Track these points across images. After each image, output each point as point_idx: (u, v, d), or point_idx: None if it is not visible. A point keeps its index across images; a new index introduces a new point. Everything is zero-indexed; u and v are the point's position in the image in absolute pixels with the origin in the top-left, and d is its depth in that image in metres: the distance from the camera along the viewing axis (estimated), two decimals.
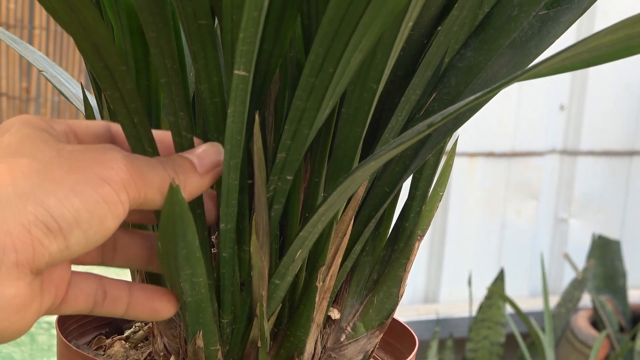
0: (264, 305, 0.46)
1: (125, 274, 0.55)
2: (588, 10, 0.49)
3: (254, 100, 0.45)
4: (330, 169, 0.47)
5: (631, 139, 2.76)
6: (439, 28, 0.47)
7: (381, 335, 0.53)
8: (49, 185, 0.39)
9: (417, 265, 2.58)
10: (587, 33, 2.53)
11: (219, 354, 0.47)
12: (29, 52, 0.66)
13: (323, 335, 0.51)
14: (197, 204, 0.46)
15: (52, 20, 2.16)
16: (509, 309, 2.35)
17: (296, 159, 0.44)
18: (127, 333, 0.59)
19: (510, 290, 2.40)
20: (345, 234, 0.48)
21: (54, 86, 0.64)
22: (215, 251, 0.48)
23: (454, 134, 0.49)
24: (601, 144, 2.73)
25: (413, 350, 0.56)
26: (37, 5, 2.15)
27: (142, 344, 0.58)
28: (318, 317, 0.49)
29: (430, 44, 0.47)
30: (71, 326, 0.59)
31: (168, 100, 0.45)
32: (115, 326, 0.61)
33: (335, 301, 0.52)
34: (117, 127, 0.48)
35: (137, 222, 0.50)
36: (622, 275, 2.45)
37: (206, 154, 0.45)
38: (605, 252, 2.45)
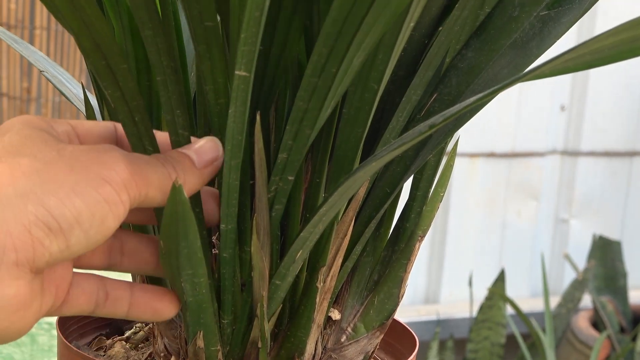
0: (265, 305, 0.46)
1: (125, 275, 0.55)
2: (589, 11, 0.49)
3: (262, 103, 0.45)
4: (331, 170, 0.47)
5: (632, 139, 2.76)
6: (440, 28, 0.47)
7: (382, 336, 0.53)
8: (50, 185, 0.39)
9: (418, 265, 2.58)
10: (588, 34, 2.53)
11: (220, 355, 0.47)
12: (30, 53, 0.66)
13: (323, 336, 0.51)
14: (195, 203, 0.46)
15: (53, 20, 2.16)
16: (509, 310, 2.35)
17: (298, 159, 0.44)
18: (127, 334, 0.59)
19: (510, 290, 2.40)
20: (346, 235, 0.48)
21: (55, 86, 0.64)
22: (216, 252, 0.48)
23: (455, 134, 0.49)
24: (602, 144, 2.74)
25: (413, 351, 0.56)
26: (38, 6, 2.15)
27: (142, 344, 0.58)
28: (319, 318, 0.49)
29: (432, 44, 0.47)
30: (72, 327, 0.59)
31: (165, 98, 0.45)
32: (115, 327, 0.61)
33: (335, 302, 0.52)
34: (122, 128, 0.48)
35: (139, 223, 0.50)
36: (623, 275, 2.45)
37: (204, 149, 0.45)
38: (605, 252, 2.45)
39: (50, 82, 0.64)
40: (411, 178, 0.52)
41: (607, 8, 2.52)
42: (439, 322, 2.43)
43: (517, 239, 2.71)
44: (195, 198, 0.46)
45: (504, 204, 2.66)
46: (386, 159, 0.41)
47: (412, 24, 0.43)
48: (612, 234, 2.67)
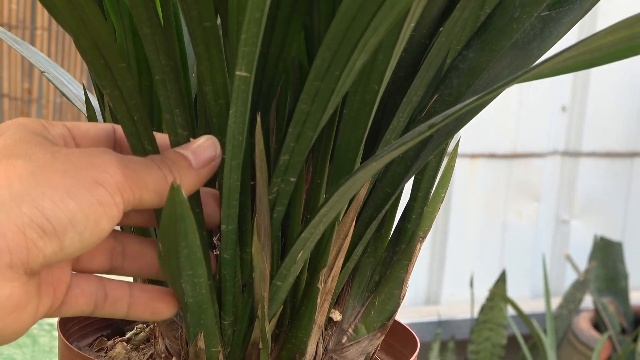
0: (266, 306, 0.46)
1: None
2: (590, 12, 0.49)
3: (262, 103, 0.45)
4: (332, 170, 0.47)
5: (633, 140, 2.76)
6: (441, 29, 0.47)
7: (383, 337, 0.53)
8: (44, 188, 0.40)
9: (419, 266, 2.58)
10: (589, 34, 2.53)
11: (220, 356, 0.47)
12: (31, 53, 0.66)
13: (324, 337, 0.51)
14: (195, 203, 0.46)
15: (54, 21, 2.16)
16: (510, 311, 2.35)
17: (300, 161, 0.44)
18: (128, 335, 0.59)
19: (511, 291, 2.40)
20: (346, 236, 0.48)
21: (56, 87, 0.64)
22: (217, 252, 0.48)
23: (456, 135, 0.49)
24: (603, 145, 2.73)
25: (415, 352, 0.56)
26: (39, 6, 2.15)
27: (143, 345, 0.58)
28: (319, 319, 0.49)
29: (432, 45, 0.47)
30: (72, 328, 0.59)
31: (163, 97, 0.45)
32: (116, 328, 0.61)
33: (336, 303, 0.52)
34: (121, 130, 0.48)
35: (140, 225, 0.50)
36: (624, 276, 2.45)
37: (201, 148, 0.45)
38: (607, 253, 2.45)
39: (52, 82, 0.64)
40: (412, 179, 0.51)
41: (608, 9, 2.52)
42: (440, 323, 2.43)
43: (518, 240, 2.70)
44: (195, 198, 0.46)
45: (505, 204, 2.66)
46: (387, 159, 0.41)
47: (412, 25, 0.43)
48: (613, 235, 2.67)
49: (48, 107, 2.21)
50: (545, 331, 2.17)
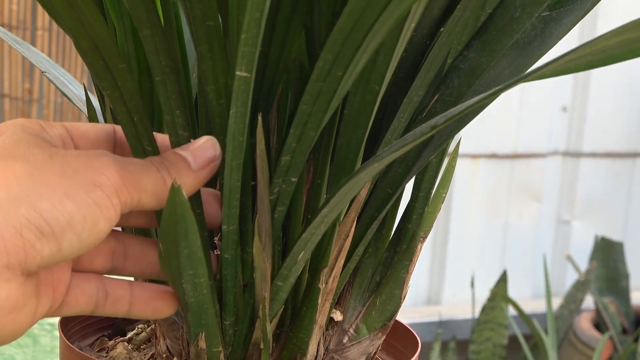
0: (267, 306, 0.46)
1: None
2: (590, 12, 0.49)
3: (262, 104, 0.45)
4: (333, 171, 0.47)
5: (634, 140, 2.76)
6: (442, 29, 0.47)
7: (384, 337, 0.53)
8: (42, 189, 0.40)
9: (420, 266, 2.58)
10: (589, 34, 2.53)
11: (222, 356, 0.47)
12: (32, 54, 0.66)
13: (325, 337, 0.51)
14: (196, 204, 0.46)
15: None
16: (511, 311, 2.35)
17: (301, 161, 0.44)
18: (129, 335, 0.59)
19: (512, 291, 2.40)
20: (347, 236, 0.48)
21: (57, 87, 0.64)
22: (218, 253, 0.48)
23: (457, 135, 0.49)
24: (604, 145, 2.73)
25: (416, 352, 0.56)
26: (40, 7, 2.15)
27: (144, 345, 0.58)
28: (320, 319, 0.49)
29: (433, 45, 0.47)
30: (74, 328, 0.59)
31: (164, 99, 0.45)
32: (117, 328, 0.61)
33: (337, 303, 0.52)
34: (122, 131, 0.48)
35: (141, 226, 0.50)
36: (625, 276, 2.45)
37: (201, 150, 0.45)
38: (608, 253, 2.45)
39: (52, 83, 0.64)
40: (413, 179, 0.51)
41: (609, 9, 2.52)
42: (441, 323, 2.43)
43: (519, 240, 2.70)
44: (196, 199, 0.46)
45: (505, 205, 2.66)
46: (388, 159, 0.41)
47: (412, 25, 0.43)
48: (614, 235, 2.67)
49: (49, 107, 2.21)
50: (546, 331, 2.17)
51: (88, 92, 0.58)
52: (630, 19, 0.34)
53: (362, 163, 0.47)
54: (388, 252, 0.53)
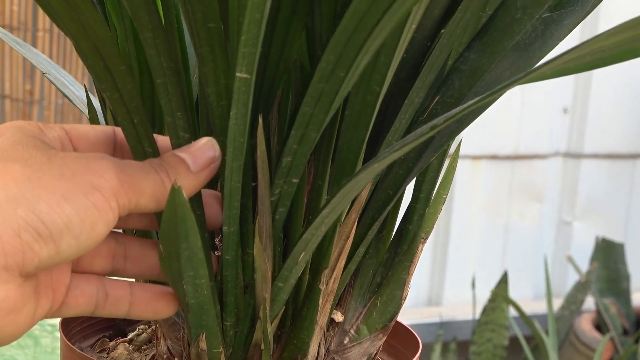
0: (268, 307, 0.46)
1: None
2: (591, 13, 0.49)
3: (263, 105, 0.45)
4: (334, 172, 0.47)
5: (635, 141, 2.76)
6: (443, 30, 0.47)
7: (384, 338, 0.53)
8: (40, 191, 0.40)
9: (421, 267, 2.57)
10: (590, 36, 2.52)
11: (222, 357, 0.47)
12: (33, 55, 0.66)
13: (326, 338, 0.51)
14: (197, 205, 0.46)
15: None
16: (512, 312, 2.35)
17: (302, 162, 0.44)
18: (130, 335, 0.59)
19: (513, 292, 2.40)
20: (348, 237, 0.48)
21: (58, 89, 0.64)
22: (219, 254, 0.48)
23: (458, 136, 0.49)
24: (605, 146, 2.73)
25: (416, 353, 0.56)
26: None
27: (145, 346, 0.58)
28: (321, 320, 0.49)
29: (434, 47, 0.47)
30: (75, 329, 0.59)
31: (165, 101, 0.45)
32: (118, 329, 0.61)
33: (338, 304, 0.52)
34: (122, 132, 0.48)
35: (141, 228, 0.50)
36: (626, 278, 2.45)
37: (200, 151, 0.45)
38: (608, 254, 2.45)
39: (53, 84, 0.64)
40: (414, 180, 0.51)
41: (610, 10, 2.52)
42: (442, 324, 2.43)
43: (520, 241, 2.70)
44: (196, 200, 0.46)
45: (506, 206, 2.66)
46: (388, 160, 0.41)
47: (413, 26, 0.43)
48: (615, 236, 2.67)
49: (50, 108, 2.21)
50: (547, 332, 2.17)
51: (89, 93, 0.58)
52: (630, 18, 0.34)
53: (363, 164, 0.47)
54: (389, 253, 0.53)
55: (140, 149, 0.46)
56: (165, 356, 0.52)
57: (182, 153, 0.44)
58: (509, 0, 0.48)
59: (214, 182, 0.48)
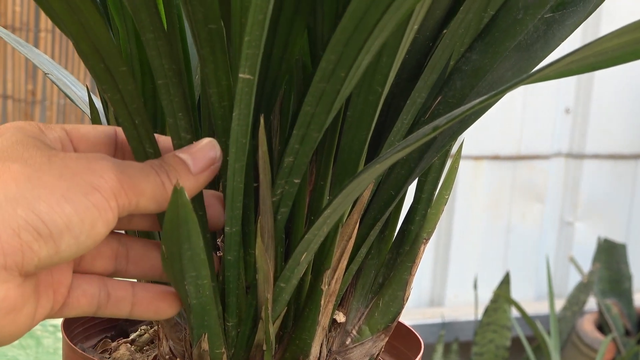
0: (270, 308, 0.46)
1: None
2: (594, 13, 0.49)
3: (265, 105, 0.45)
4: (336, 172, 0.47)
5: (637, 142, 2.76)
6: (445, 31, 0.47)
7: (387, 339, 0.53)
8: (40, 191, 0.40)
9: (423, 268, 2.57)
10: (592, 36, 2.53)
11: (224, 357, 0.47)
12: (35, 55, 0.66)
13: (328, 339, 0.51)
14: (198, 206, 0.46)
15: None
16: (514, 313, 2.35)
17: (304, 162, 0.44)
18: (132, 336, 0.59)
19: (515, 293, 2.40)
20: (350, 237, 0.48)
21: (60, 89, 0.64)
22: (221, 254, 0.48)
23: (460, 137, 0.49)
24: (607, 147, 2.73)
25: (419, 354, 0.56)
26: None
27: (147, 347, 0.58)
28: (323, 321, 0.49)
29: (436, 47, 0.47)
30: (77, 329, 0.59)
31: (166, 102, 0.45)
32: (120, 329, 0.61)
33: (340, 304, 0.52)
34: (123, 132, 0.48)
35: (144, 229, 0.50)
36: (628, 278, 2.45)
37: (201, 152, 0.45)
38: (610, 255, 2.45)
39: (55, 84, 0.64)
40: (416, 181, 0.51)
41: (612, 10, 2.52)
42: (444, 325, 2.43)
43: (522, 242, 2.70)
44: (198, 201, 0.46)
45: (508, 206, 2.66)
46: (390, 161, 0.41)
47: (415, 27, 0.43)
48: (617, 237, 2.66)
49: (52, 108, 2.21)
50: (549, 333, 2.17)
51: (91, 93, 0.58)
52: (633, 21, 0.34)
53: (364, 164, 0.47)
54: (391, 253, 0.53)
55: (141, 149, 0.46)
56: (167, 357, 0.52)
57: (182, 154, 0.44)
58: (511, 1, 0.48)
59: (215, 183, 0.48)
